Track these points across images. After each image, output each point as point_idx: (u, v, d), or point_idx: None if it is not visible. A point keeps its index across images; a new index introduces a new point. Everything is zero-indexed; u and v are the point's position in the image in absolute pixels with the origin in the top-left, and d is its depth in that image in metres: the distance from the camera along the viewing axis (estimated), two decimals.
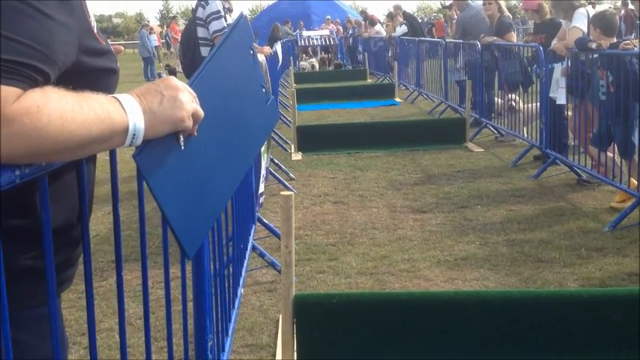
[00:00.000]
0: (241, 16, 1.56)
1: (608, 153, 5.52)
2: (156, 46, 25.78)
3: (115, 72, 1.29)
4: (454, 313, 2.91)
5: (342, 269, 4.24)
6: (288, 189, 5.97)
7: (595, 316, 2.85)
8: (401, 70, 14.32)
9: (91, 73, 1.20)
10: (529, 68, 7.77)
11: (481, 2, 9.10)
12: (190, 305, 2.11)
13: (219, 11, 5.63)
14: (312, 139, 8.10)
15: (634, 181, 5.15)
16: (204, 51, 5.63)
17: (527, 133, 7.63)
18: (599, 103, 5.58)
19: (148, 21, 38.41)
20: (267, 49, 7.68)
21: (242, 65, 1.52)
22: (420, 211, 5.46)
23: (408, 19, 16.37)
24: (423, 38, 14.15)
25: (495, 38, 8.40)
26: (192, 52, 5.73)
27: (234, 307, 3.13)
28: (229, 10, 6.01)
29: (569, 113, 6.59)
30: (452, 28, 11.98)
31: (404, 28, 15.26)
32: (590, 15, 6.15)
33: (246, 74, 1.54)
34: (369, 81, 16.98)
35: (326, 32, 23.29)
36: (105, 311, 3.65)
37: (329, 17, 26.35)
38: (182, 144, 1.25)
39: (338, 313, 2.92)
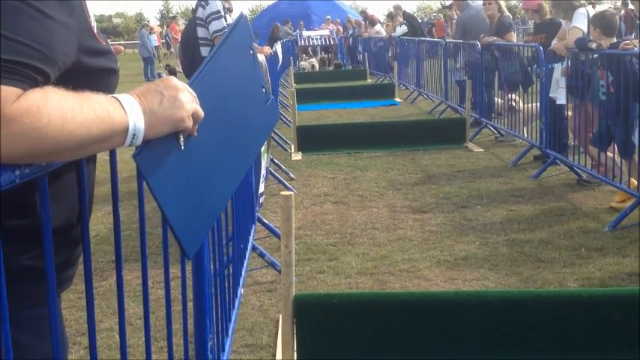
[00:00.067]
0: (241, 16, 1.56)
1: (608, 153, 5.52)
2: (156, 46, 25.78)
3: (115, 72, 1.29)
4: (454, 313, 2.91)
5: (342, 269, 4.24)
6: (288, 189, 5.97)
7: (595, 316, 2.86)
8: (401, 70, 14.32)
9: (91, 73, 1.20)
10: (529, 68, 7.77)
11: (481, 2, 9.10)
12: (190, 305, 2.11)
13: (219, 11, 5.64)
14: (312, 139, 8.10)
15: (634, 181, 5.15)
16: (204, 51, 5.63)
17: (527, 133, 7.63)
18: (599, 103, 5.58)
19: (148, 21, 38.41)
20: (267, 49, 7.69)
21: (242, 65, 1.52)
22: (420, 211, 5.46)
23: (408, 19, 16.37)
24: (423, 38, 14.15)
25: (495, 38, 8.40)
26: (192, 52, 5.73)
27: (234, 307, 3.13)
28: (229, 10, 6.01)
29: (569, 113, 6.59)
30: (452, 28, 11.98)
31: (404, 28, 15.27)
32: (590, 15, 6.15)
33: (246, 74, 1.53)
34: (369, 81, 16.98)
35: (326, 32, 23.29)
36: (105, 311, 3.65)
37: (329, 17, 26.35)
38: (182, 144, 1.25)
39: (338, 313, 2.92)
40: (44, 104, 1.00)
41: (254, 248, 4.23)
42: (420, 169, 7.00)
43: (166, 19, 61.24)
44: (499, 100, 8.55)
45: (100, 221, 5.35)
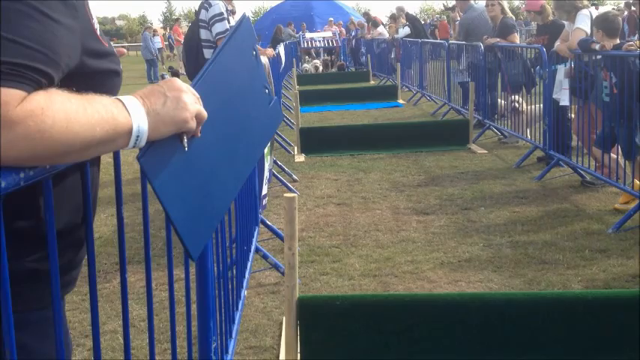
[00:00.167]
0: (244, 18, 1.56)
1: (611, 154, 5.51)
2: (159, 49, 25.78)
3: (118, 74, 1.29)
4: (458, 315, 2.90)
5: (345, 271, 4.24)
6: (291, 191, 5.97)
7: (599, 318, 2.85)
8: (404, 72, 14.32)
9: (94, 75, 1.20)
10: (532, 69, 7.76)
11: (484, 4, 9.09)
12: (194, 307, 2.11)
13: (222, 13, 5.64)
14: (315, 141, 8.10)
15: (638, 183, 5.14)
16: (207, 53, 5.64)
17: (531, 135, 7.62)
18: (602, 104, 5.57)
19: (151, 23, 38.51)
20: (270, 51, 7.70)
21: (245, 66, 1.52)
22: (423, 213, 5.46)
23: (411, 20, 16.36)
24: (425, 40, 14.15)
25: (498, 40, 8.39)
26: (196, 54, 5.74)
27: (237, 309, 3.12)
28: (232, 12, 6.02)
29: (573, 115, 6.58)
30: (455, 29, 11.98)
31: (407, 30, 15.26)
32: (593, 16, 6.14)
33: (249, 75, 1.53)
34: (372, 83, 16.98)
35: (329, 34, 23.32)
36: (109, 313, 3.66)
37: (332, 19, 26.37)
38: (186, 145, 1.25)
39: (341, 315, 2.92)
40: (48, 106, 1.00)
41: (257, 250, 4.23)
42: (423, 171, 7.00)
43: (169, 21, 61.28)
44: (502, 101, 8.53)
45: (103, 223, 5.35)
